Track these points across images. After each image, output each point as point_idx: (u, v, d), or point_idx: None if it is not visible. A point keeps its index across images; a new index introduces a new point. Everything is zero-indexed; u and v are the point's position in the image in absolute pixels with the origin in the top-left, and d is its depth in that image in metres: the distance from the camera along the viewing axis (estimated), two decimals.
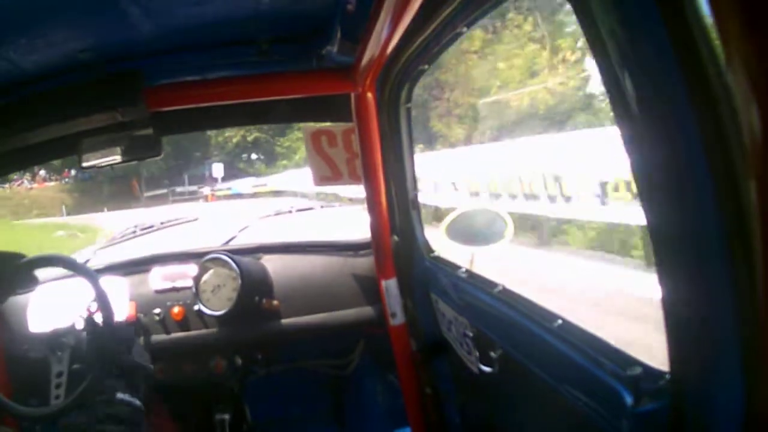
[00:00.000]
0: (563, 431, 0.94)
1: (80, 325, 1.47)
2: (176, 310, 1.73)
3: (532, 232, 6.52)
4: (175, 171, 25.28)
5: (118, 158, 1.47)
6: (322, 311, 1.79)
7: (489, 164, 6.71)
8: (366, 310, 1.77)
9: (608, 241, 5.70)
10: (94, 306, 1.45)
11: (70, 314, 1.53)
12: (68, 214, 21.35)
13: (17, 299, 1.72)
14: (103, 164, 1.49)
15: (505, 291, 1.16)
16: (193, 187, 22.94)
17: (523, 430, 1.18)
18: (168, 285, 1.77)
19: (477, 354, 1.24)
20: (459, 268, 1.40)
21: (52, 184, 27.08)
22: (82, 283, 1.50)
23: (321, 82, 1.49)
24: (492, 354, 1.15)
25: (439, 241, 1.60)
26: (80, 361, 1.46)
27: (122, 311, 1.65)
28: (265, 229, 2.35)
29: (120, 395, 1.14)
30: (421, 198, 1.68)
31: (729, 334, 0.47)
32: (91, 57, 1.23)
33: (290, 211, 2.21)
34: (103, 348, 1.28)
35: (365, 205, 1.67)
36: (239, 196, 17.30)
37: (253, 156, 27.14)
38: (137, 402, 1.16)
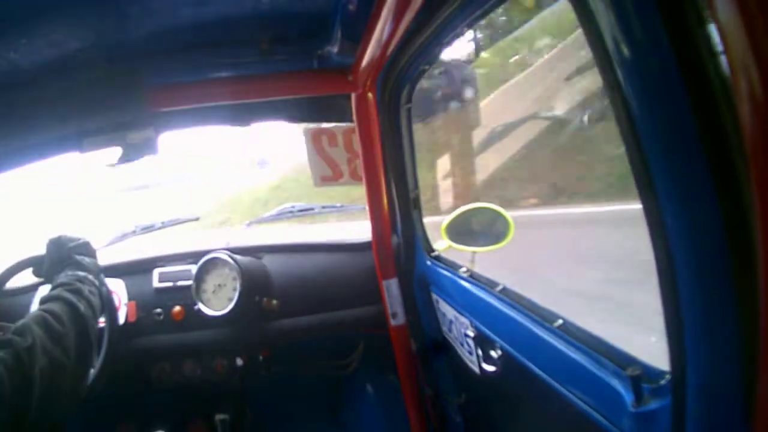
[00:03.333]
0: (564, 431, 0.94)
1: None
2: (176, 310, 1.73)
3: None
4: None
5: (118, 158, 1.47)
6: (323, 311, 1.79)
7: None
8: (366, 310, 1.77)
9: None
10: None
11: None
12: None
13: (18, 299, 1.72)
14: (103, 164, 1.49)
15: (506, 291, 1.16)
16: None
17: (523, 430, 1.18)
18: (168, 285, 1.77)
19: (478, 354, 1.24)
20: (460, 267, 1.40)
21: None
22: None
23: (321, 82, 1.49)
24: (492, 354, 1.15)
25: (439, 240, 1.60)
26: None
27: (122, 311, 1.65)
28: (266, 229, 2.35)
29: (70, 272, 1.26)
30: None
31: (729, 334, 0.47)
32: (91, 57, 1.23)
33: (291, 211, 2.20)
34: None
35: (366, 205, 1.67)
36: None
37: None
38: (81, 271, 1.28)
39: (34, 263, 1.51)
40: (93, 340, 1.14)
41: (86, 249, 1.39)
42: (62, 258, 1.34)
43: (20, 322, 1.04)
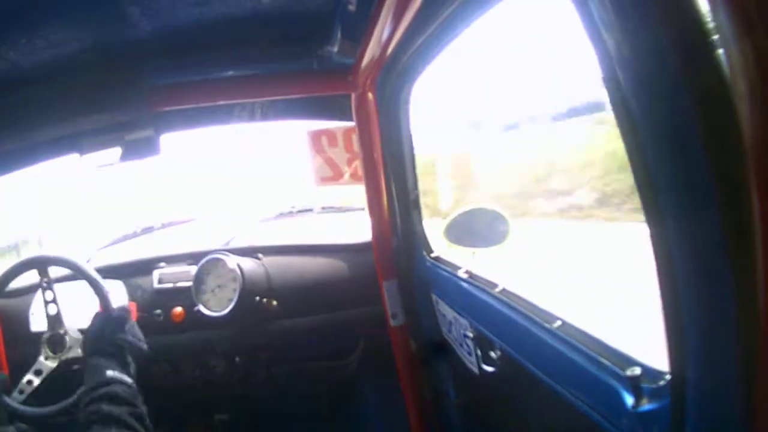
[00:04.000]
0: None
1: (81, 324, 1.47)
2: (176, 311, 1.73)
3: None
4: None
5: (118, 158, 1.47)
6: (323, 312, 1.79)
7: None
8: (366, 311, 1.77)
9: None
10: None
11: (71, 314, 1.53)
12: None
13: (19, 300, 1.72)
14: (103, 165, 1.49)
15: (506, 291, 1.16)
16: None
17: (523, 431, 1.18)
18: (168, 285, 1.77)
19: (477, 355, 1.24)
20: (459, 268, 1.40)
21: None
22: (84, 285, 1.50)
23: (321, 82, 1.49)
24: (492, 355, 1.15)
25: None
26: (79, 361, 1.46)
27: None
28: (266, 230, 2.35)
29: (110, 372, 1.16)
30: None
31: (729, 334, 0.47)
32: (91, 57, 1.23)
33: (291, 212, 2.21)
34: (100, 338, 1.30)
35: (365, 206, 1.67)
36: None
37: None
38: (128, 379, 1.17)
39: (35, 265, 1.52)
40: None
41: (134, 332, 1.33)
42: (108, 339, 1.28)
43: None
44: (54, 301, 1.52)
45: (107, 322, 1.34)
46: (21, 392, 1.43)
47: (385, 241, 1.66)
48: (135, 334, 1.34)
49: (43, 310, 1.52)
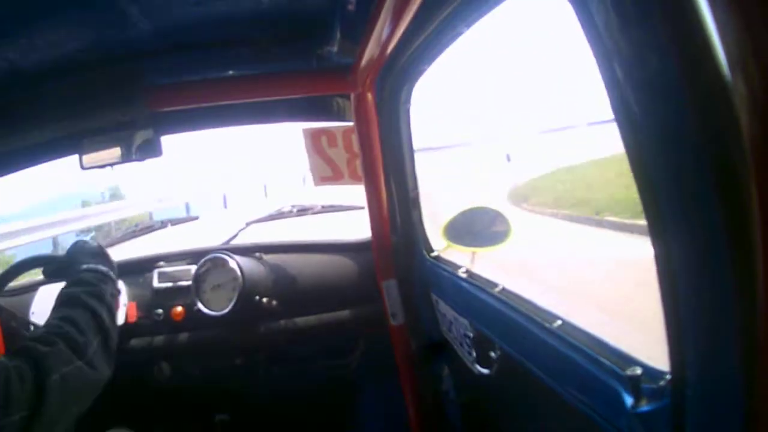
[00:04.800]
0: (563, 431, 0.94)
1: None
2: (176, 310, 1.73)
3: None
4: None
5: (118, 159, 1.47)
6: (322, 311, 1.79)
7: None
8: (366, 310, 1.77)
9: None
10: None
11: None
12: None
13: (19, 299, 1.72)
14: (103, 165, 1.49)
15: (505, 291, 1.16)
16: None
17: (523, 431, 1.18)
18: (168, 284, 1.77)
19: (477, 354, 1.24)
20: (459, 268, 1.40)
21: None
22: None
23: (321, 82, 1.49)
24: (492, 354, 1.15)
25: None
26: None
27: (122, 312, 1.65)
28: (266, 229, 2.35)
29: (86, 266, 1.22)
30: None
31: (729, 334, 0.47)
32: (91, 57, 1.23)
33: (291, 211, 2.20)
34: None
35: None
36: None
37: None
38: (103, 267, 1.23)
39: (39, 263, 1.51)
40: (112, 349, 1.10)
41: (105, 258, 1.35)
42: (80, 261, 1.30)
43: (40, 329, 1.03)
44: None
45: (87, 242, 1.38)
46: None
47: (385, 240, 1.66)
48: (110, 262, 1.36)
49: (45, 310, 1.52)
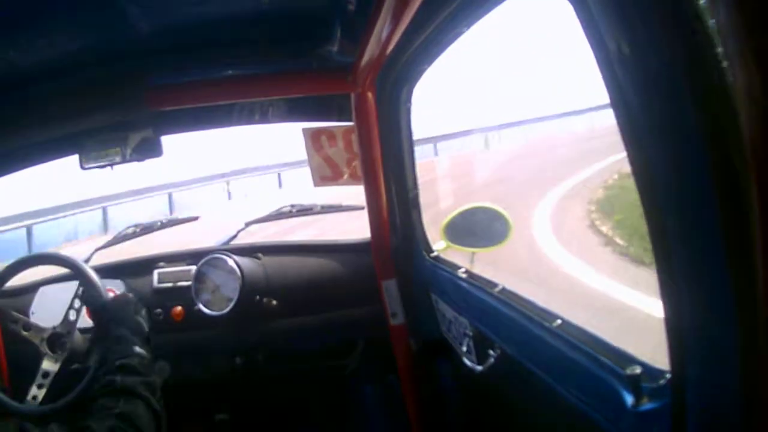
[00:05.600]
0: (563, 431, 0.94)
1: (80, 323, 1.47)
2: (176, 310, 1.73)
3: None
4: None
5: (118, 158, 1.47)
6: (322, 311, 1.79)
7: None
8: (366, 310, 1.77)
9: None
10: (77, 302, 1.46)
11: (71, 314, 1.53)
12: None
13: (19, 299, 1.72)
14: (103, 164, 1.49)
15: (505, 291, 1.16)
16: None
17: (523, 431, 1.18)
18: (168, 285, 1.77)
19: (477, 354, 1.24)
20: (459, 268, 1.40)
21: None
22: (70, 286, 1.50)
23: (321, 82, 1.49)
24: (492, 354, 1.15)
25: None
26: (80, 360, 1.46)
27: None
28: (266, 229, 2.35)
29: (137, 348, 1.20)
30: None
31: (729, 334, 0.47)
32: (91, 57, 1.23)
33: (291, 212, 2.20)
34: (105, 338, 1.30)
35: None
36: None
37: None
38: (147, 354, 1.23)
39: (35, 262, 1.51)
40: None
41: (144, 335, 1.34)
42: (124, 318, 1.30)
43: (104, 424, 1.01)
44: (55, 301, 1.52)
45: (130, 301, 1.37)
46: (34, 398, 1.41)
47: (385, 240, 1.66)
48: (146, 319, 1.37)
49: (45, 310, 1.52)
